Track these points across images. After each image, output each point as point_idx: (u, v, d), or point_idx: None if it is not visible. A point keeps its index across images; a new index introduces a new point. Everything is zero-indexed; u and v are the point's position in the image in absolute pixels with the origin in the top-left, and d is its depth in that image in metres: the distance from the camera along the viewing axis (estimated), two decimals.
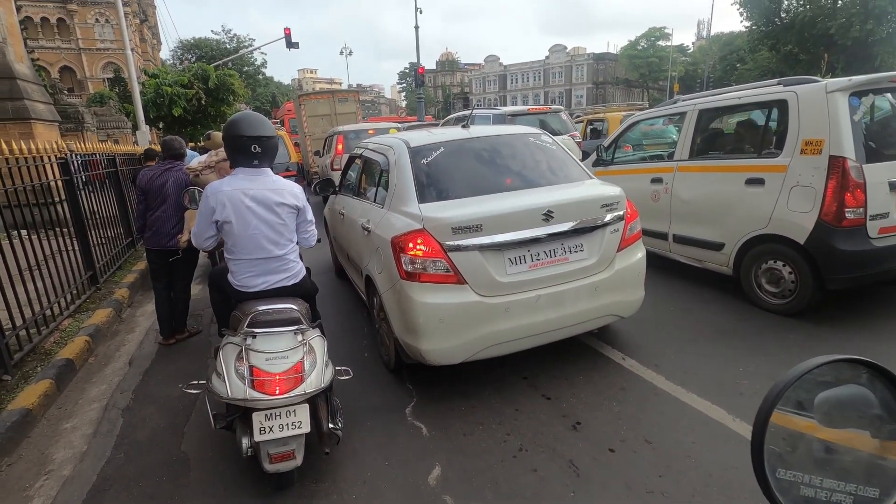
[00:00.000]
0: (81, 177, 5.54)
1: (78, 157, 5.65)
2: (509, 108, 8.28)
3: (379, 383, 3.21)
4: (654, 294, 4.21)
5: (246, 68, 44.80)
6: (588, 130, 12.95)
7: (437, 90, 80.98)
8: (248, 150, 2.45)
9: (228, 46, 46.13)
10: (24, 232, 3.89)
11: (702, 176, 4.30)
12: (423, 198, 3.05)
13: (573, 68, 64.77)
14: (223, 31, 54.90)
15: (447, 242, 2.76)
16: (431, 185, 3.16)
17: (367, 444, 2.59)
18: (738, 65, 45.48)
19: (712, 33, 49.13)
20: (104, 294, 5.18)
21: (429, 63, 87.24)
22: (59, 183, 4.90)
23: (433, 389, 3.07)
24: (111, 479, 2.47)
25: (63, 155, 5.02)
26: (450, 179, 3.25)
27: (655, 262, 4.80)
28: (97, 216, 5.74)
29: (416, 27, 23.00)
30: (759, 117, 4.28)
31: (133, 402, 3.23)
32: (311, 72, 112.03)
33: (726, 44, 50.24)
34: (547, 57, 67.10)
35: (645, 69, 58.00)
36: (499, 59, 73.26)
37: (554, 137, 3.81)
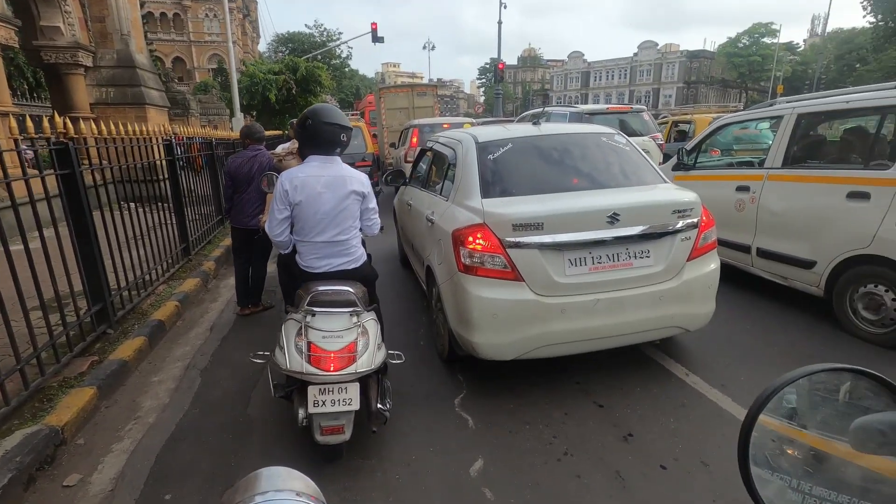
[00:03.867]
0: (182, 158, 6.12)
1: (182, 140, 6.24)
2: (587, 107, 8.01)
3: (431, 372, 3.28)
4: (729, 310, 3.95)
5: (333, 61, 46.83)
6: (673, 132, 12.21)
7: (516, 86, 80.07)
8: (335, 138, 2.59)
9: (318, 40, 48.45)
10: (132, 205, 4.39)
11: (795, 186, 3.93)
12: (486, 193, 3.07)
13: (663, 66, 61.23)
14: (315, 25, 57.64)
15: (507, 238, 2.76)
16: (496, 181, 3.17)
17: (414, 428, 2.67)
18: (857, 65, 40.78)
19: (829, 29, 44.38)
20: (194, 265, 5.70)
21: (510, 59, 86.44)
22: (163, 162, 5.46)
23: (484, 384, 3.09)
24: (187, 431, 2.75)
25: (168, 137, 5.57)
26: (515, 176, 3.24)
27: (735, 277, 4.49)
28: (193, 194, 6.32)
29: (500, 22, 22.85)
30: (870, 125, 3.83)
31: (210, 365, 3.55)
32: (394, 66, 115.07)
33: (844, 41, 45.19)
34: (635, 54, 63.94)
35: (745, 68, 53.62)
36: (583, 55, 70.92)
37: (628, 138, 3.67)
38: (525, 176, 3.26)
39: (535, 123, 3.76)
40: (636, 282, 2.88)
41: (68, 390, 2.92)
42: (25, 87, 18.16)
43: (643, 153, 3.57)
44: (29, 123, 3.05)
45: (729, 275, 4.40)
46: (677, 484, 2.20)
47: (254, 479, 0.67)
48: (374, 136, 14.57)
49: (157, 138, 5.17)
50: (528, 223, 2.76)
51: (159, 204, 5.19)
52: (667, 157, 6.96)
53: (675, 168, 5.25)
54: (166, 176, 5.60)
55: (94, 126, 3.97)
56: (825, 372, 0.57)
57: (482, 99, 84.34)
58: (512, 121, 8.87)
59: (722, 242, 4.42)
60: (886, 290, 3.31)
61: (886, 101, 3.40)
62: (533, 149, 3.43)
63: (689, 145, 5.28)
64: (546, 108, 7.04)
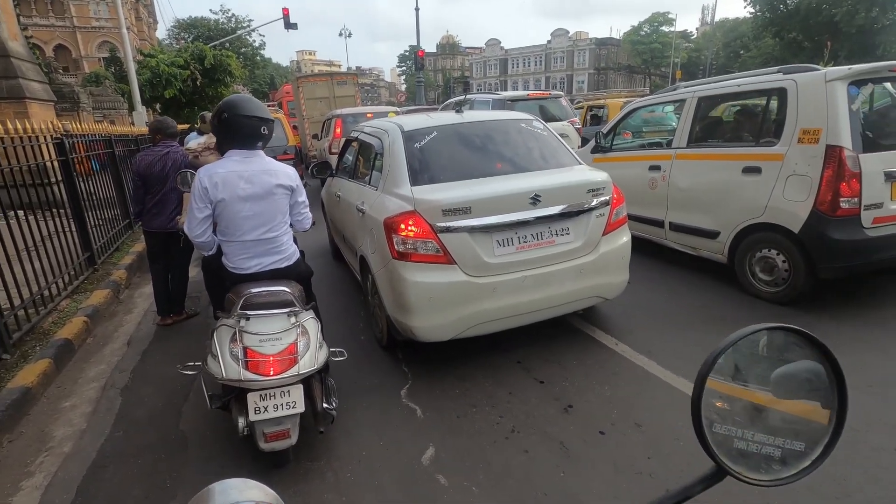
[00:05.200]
0: (75, 158, 5.50)
1: (72, 138, 5.60)
2: (509, 93, 8.22)
3: (375, 365, 3.26)
4: (648, 281, 4.28)
5: (243, 49, 44.18)
6: (588, 117, 12.86)
7: (436, 74, 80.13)
8: (256, 132, 2.45)
9: (226, 27, 45.42)
10: (20, 213, 3.89)
11: (699, 164, 4.30)
12: (415, 181, 3.10)
13: (575, 53, 64.03)
14: (221, 10, 53.92)
15: (437, 224, 2.82)
16: (424, 169, 3.21)
17: (361, 424, 2.64)
18: (741, 52, 45.09)
19: (717, 19, 48.63)
20: (102, 275, 5.19)
21: (428, 46, 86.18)
22: (56, 164, 4.88)
23: (428, 372, 3.11)
24: (110, 456, 2.52)
25: (59, 135, 4.98)
26: (442, 163, 3.31)
27: (651, 250, 4.84)
28: (94, 197, 5.73)
29: (417, 9, 22.65)
30: (757, 106, 4.27)
31: (131, 382, 3.27)
32: (310, 54, 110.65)
33: (730, 30, 49.72)
34: (549, 41, 66.28)
35: (648, 55, 57.44)
36: (500, 42, 72.38)
37: (546, 124, 3.84)
38: (451, 162, 3.34)
39: (458, 111, 3.83)
40: (559, 258, 3.06)
41: None
42: None
43: (559, 137, 3.76)
44: None
45: (646, 248, 4.75)
46: (615, 446, 2.36)
47: (205, 496, 0.62)
48: (295, 127, 13.99)
49: (45, 136, 4.61)
50: (456, 208, 2.84)
51: (54, 210, 4.65)
52: (585, 141, 7.32)
53: (594, 151, 5.54)
54: (60, 178, 5.02)
55: None
56: (755, 333, 0.64)
57: (404, 87, 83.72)
58: (436, 108, 8.89)
59: (638, 219, 4.77)
60: (778, 254, 3.73)
61: (771, 84, 3.80)
62: (457, 136, 3.52)
63: (605, 129, 5.59)
64: (469, 96, 7.14)
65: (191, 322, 4.21)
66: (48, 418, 2.90)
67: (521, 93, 8.49)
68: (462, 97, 5.34)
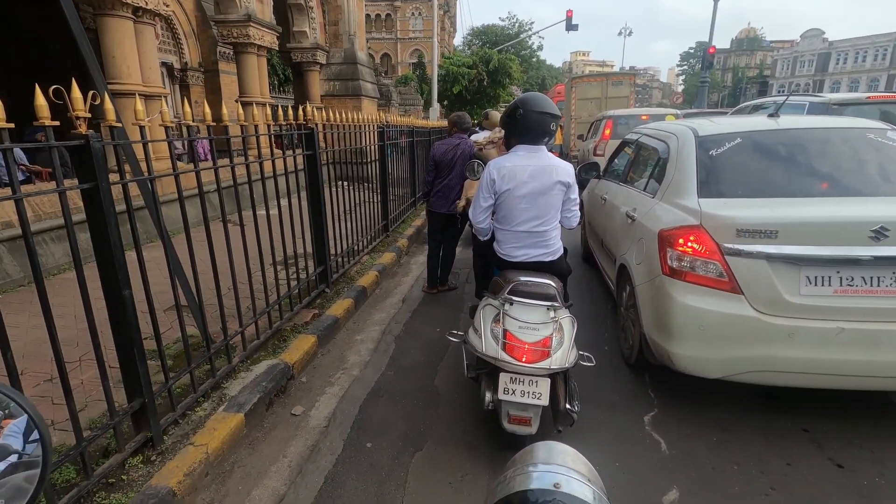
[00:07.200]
0: (390, 144, 6.79)
1: (391, 127, 6.93)
2: (836, 95, 6.50)
3: (617, 380, 3.07)
4: None
5: (523, 52, 47.18)
6: None
7: (725, 73, 70.10)
8: (545, 127, 2.58)
9: (510, 31, 49.20)
10: (344, 183, 5.02)
11: None
12: (704, 192, 2.73)
13: None
14: (508, 17, 58.56)
15: (727, 245, 2.43)
16: (718, 180, 2.81)
17: (599, 438, 2.52)
18: None
19: None
20: (391, 241, 6.33)
21: (721, 42, 75.88)
22: (375, 147, 6.13)
23: (678, 405, 2.77)
24: (383, 389, 3.06)
25: (381, 125, 6.23)
26: (743, 175, 2.82)
27: None
28: (393, 177, 7.00)
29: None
30: None
31: (403, 333, 3.89)
32: (583, 54, 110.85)
33: None
34: None
35: None
36: (822, 33, 58.36)
37: None
38: (756, 176, 2.81)
39: (772, 116, 3.21)
40: None
41: (297, 335, 3.50)
42: (277, 82, 22.32)
43: None
44: (280, 113, 3.59)
45: None
46: None
47: (531, 451, 0.71)
48: (561, 126, 14.27)
49: (372, 126, 5.82)
50: (757, 229, 2.38)
51: (366, 184, 5.85)
52: None
53: None
54: (376, 158, 6.29)
55: (324, 114, 4.62)
56: None
57: (680, 88, 76.00)
58: (726, 113, 7.73)
59: None
60: None
61: None
62: (769, 145, 2.94)
63: None
64: (769, 98, 5.93)
65: (450, 294, 4.75)
66: (346, 345, 3.69)
67: (855, 95, 6.61)
68: (770, 99, 4.49)
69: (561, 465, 0.61)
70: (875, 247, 2.27)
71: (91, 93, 1.97)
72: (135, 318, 2.15)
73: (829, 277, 2.34)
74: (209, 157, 3.72)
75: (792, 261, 2.35)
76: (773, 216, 2.41)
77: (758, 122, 3.29)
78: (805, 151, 2.87)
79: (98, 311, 2.01)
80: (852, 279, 2.32)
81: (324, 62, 12.14)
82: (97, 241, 2.04)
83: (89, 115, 1.91)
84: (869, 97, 6.25)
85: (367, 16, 43.05)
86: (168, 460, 2.20)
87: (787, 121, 3.17)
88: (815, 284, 2.35)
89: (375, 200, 6.16)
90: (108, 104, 2.02)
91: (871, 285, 2.31)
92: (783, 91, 50.55)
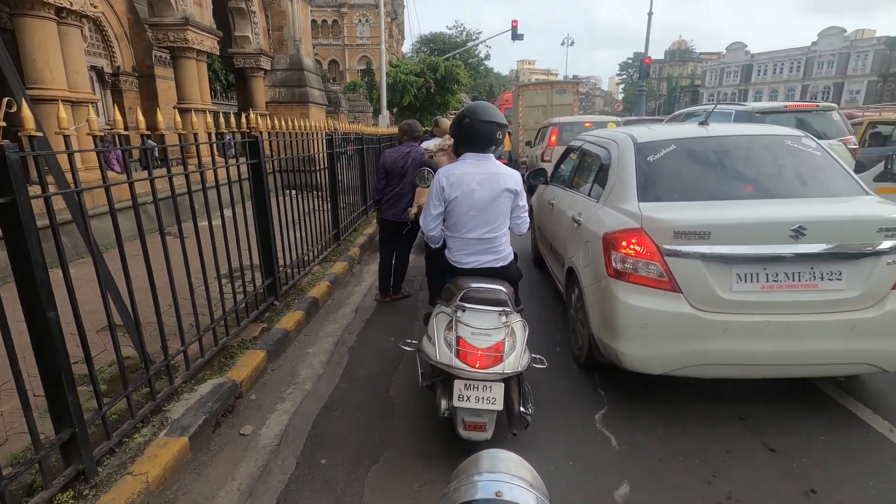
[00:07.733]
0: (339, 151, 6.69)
1: (339, 135, 6.84)
2: (758, 104, 7.02)
3: (569, 381, 3.15)
4: None
5: (470, 60, 47.86)
6: (867, 135, 10.23)
7: (660, 83, 74.17)
8: (492, 136, 2.62)
9: (458, 40, 49.86)
10: (292, 192, 4.89)
11: None
12: (644, 196, 2.87)
13: (851, 56, 51.62)
14: (455, 25, 59.43)
15: (665, 246, 2.56)
16: (656, 185, 2.96)
17: (552, 438, 2.57)
18: None
19: None
20: (342, 250, 6.22)
21: (656, 53, 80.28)
22: (323, 155, 6.02)
23: (628, 402, 2.88)
24: (337, 402, 2.98)
25: (329, 132, 6.13)
26: (678, 180, 3.00)
27: None
28: (343, 185, 6.89)
29: (650, 13, 21.29)
30: None
31: (356, 344, 3.82)
32: (529, 63, 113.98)
33: None
34: (814, 43, 54.89)
35: None
36: (745, 46, 62.98)
37: (819, 142, 3.15)
38: (690, 180, 3.00)
39: (702, 124, 3.44)
40: (821, 307, 2.49)
41: (244, 351, 3.36)
42: (219, 88, 21.49)
43: (838, 160, 3.04)
44: (221, 120, 3.42)
45: None
46: None
47: (476, 460, 0.68)
48: (509, 133, 14.59)
49: (319, 133, 5.71)
50: (692, 231, 2.53)
51: (315, 192, 5.73)
52: (860, 167, 5.81)
53: (879, 179, 4.37)
54: (324, 167, 6.18)
55: (269, 121, 4.49)
56: None
57: (620, 96, 79.70)
58: (661, 120, 8.17)
59: None
60: None
61: None
62: (700, 151, 3.14)
63: None
64: (705, 106, 6.34)
65: (403, 302, 4.73)
66: (297, 359, 3.58)
67: (775, 104, 7.17)
68: (700, 107, 4.80)
69: (504, 473, 0.62)
70: (795, 244, 2.46)
71: (6, 99, 1.82)
72: (61, 341, 1.99)
73: (757, 274, 2.51)
74: (124, 168, 3.49)
75: (724, 260, 2.51)
76: (705, 218, 2.57)
77: (690, 129, 3.51)
78: (731, 157, 3.09)
79: (20, 335, 1.85)
80: (777, 275, 2.51)
81: (268, 68, 11.82)
82: (15, 259, 1.88)
83: (4, 124, 1.76)
84: (787, 106, 6.80)
85: (314, 21, 42.45)
86: (103, 493, 2.05)
87: (715, 128, 3.38)
88: (745, 281, 2.52)
89: (326, 209, 6.05)
90: (27, 111, 1.87)
91: (793, 280, 2.50)
92: (713, 100, 54.08)
